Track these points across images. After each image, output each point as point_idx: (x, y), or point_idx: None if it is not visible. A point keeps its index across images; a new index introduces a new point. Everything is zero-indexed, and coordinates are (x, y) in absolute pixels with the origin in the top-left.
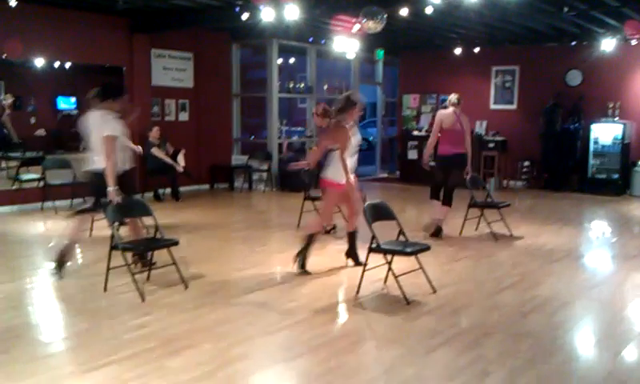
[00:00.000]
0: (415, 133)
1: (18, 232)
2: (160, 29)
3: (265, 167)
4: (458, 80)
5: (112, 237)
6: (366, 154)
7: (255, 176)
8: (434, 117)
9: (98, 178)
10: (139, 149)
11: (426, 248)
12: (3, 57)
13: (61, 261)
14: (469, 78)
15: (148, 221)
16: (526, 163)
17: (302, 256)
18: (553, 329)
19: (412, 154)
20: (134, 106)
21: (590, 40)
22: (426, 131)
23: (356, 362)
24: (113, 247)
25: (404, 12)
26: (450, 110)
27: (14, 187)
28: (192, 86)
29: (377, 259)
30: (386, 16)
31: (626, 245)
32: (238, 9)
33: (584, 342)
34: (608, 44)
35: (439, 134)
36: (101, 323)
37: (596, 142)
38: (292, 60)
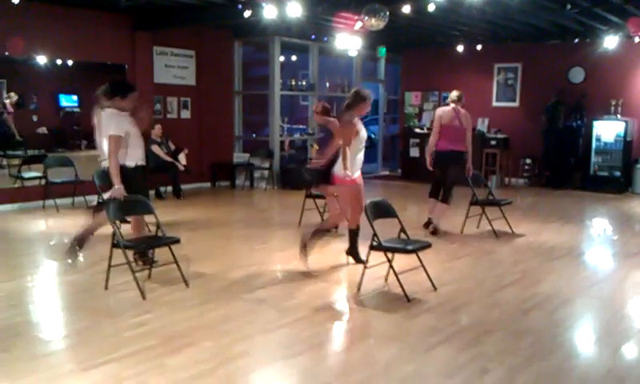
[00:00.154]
0: (417, 130)
1: (19, 230)
2: (162, 26)
3: (266, 165)
4: (461, 77)
5: (113, 234)
6: (367, 151)
7: (257, 174)
8: None
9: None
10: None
11: (427, 246)
12: (5, 54)
13: (80, 243)
14: (471, 76)
15: (150, 218)
16: (528, 161)
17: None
18: (553, 326)
19: (414, 152)
20: (144, 103)
21: (593, 37)
22: (428, 129)
23: (356, 360)
24: (114, 245)
25: (406, 9)
26: (450, 106)
27: (15, 185)
28: (194, 84)
29: (378, 257)
30: (388, 13)
31: (627, 242)
32: (240, 6)
33: (584, 339)
34: (611, 41)
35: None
36: (101, 321)
37: (598, 140)
38: (294, 57)
